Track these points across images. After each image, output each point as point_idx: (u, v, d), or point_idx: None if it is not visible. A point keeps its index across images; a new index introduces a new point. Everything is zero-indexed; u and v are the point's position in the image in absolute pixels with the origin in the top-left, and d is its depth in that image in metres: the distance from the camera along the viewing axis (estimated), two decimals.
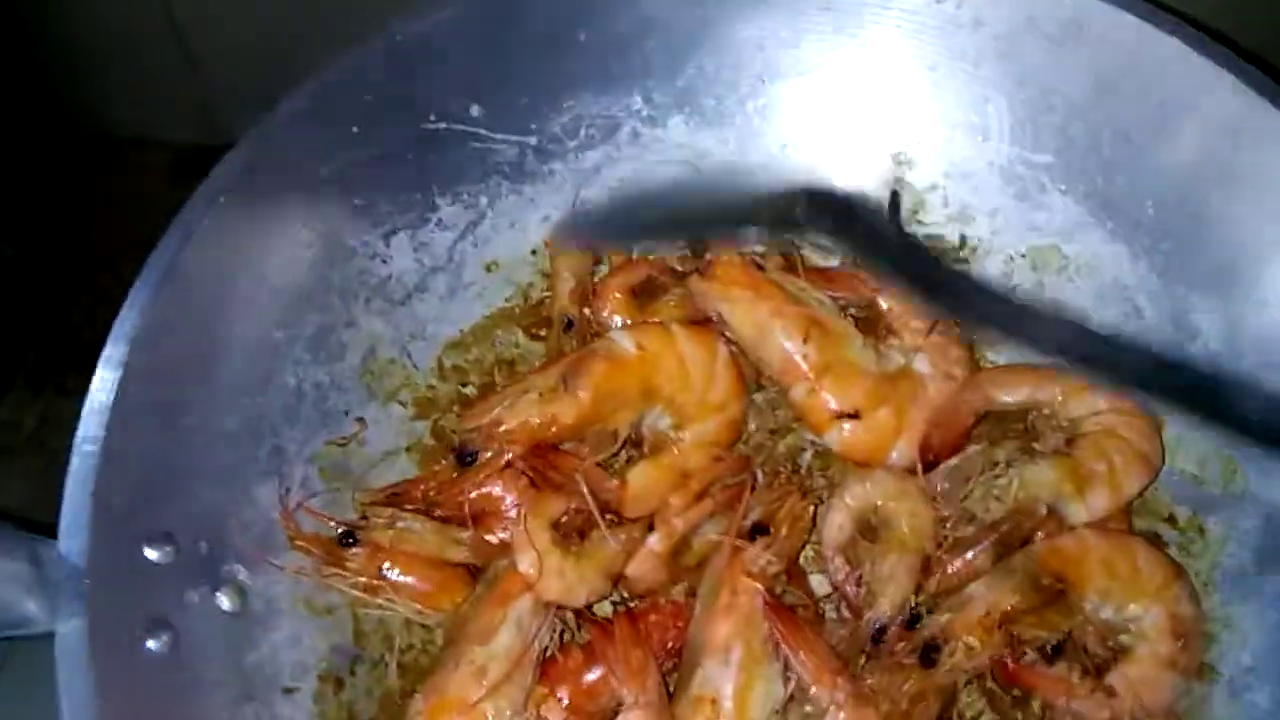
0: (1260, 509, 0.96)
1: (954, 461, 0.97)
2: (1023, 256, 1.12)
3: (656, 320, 1.06)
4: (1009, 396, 1.01)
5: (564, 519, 0.95)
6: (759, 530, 0.96)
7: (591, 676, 0.94)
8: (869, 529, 0.98)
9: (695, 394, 1.01)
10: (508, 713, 0.88)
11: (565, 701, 0.92)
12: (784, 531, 0.96)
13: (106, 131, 1.53)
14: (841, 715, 0.88)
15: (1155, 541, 1.00)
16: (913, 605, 0.93)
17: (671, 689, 0.94)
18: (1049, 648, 0.91)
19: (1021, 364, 1.04)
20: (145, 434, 0.87)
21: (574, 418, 0.97)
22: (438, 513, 0.99)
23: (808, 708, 0.90)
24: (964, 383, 1.03)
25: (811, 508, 0.99)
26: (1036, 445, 0.97)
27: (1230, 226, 0.98)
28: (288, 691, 0.92)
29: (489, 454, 0.96)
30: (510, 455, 0.96)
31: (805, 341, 1.02)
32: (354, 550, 0.95)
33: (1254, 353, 0.97)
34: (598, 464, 0.99)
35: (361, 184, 1.06)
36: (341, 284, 1.06)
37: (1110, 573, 0.92)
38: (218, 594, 0.90)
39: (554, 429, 0.97)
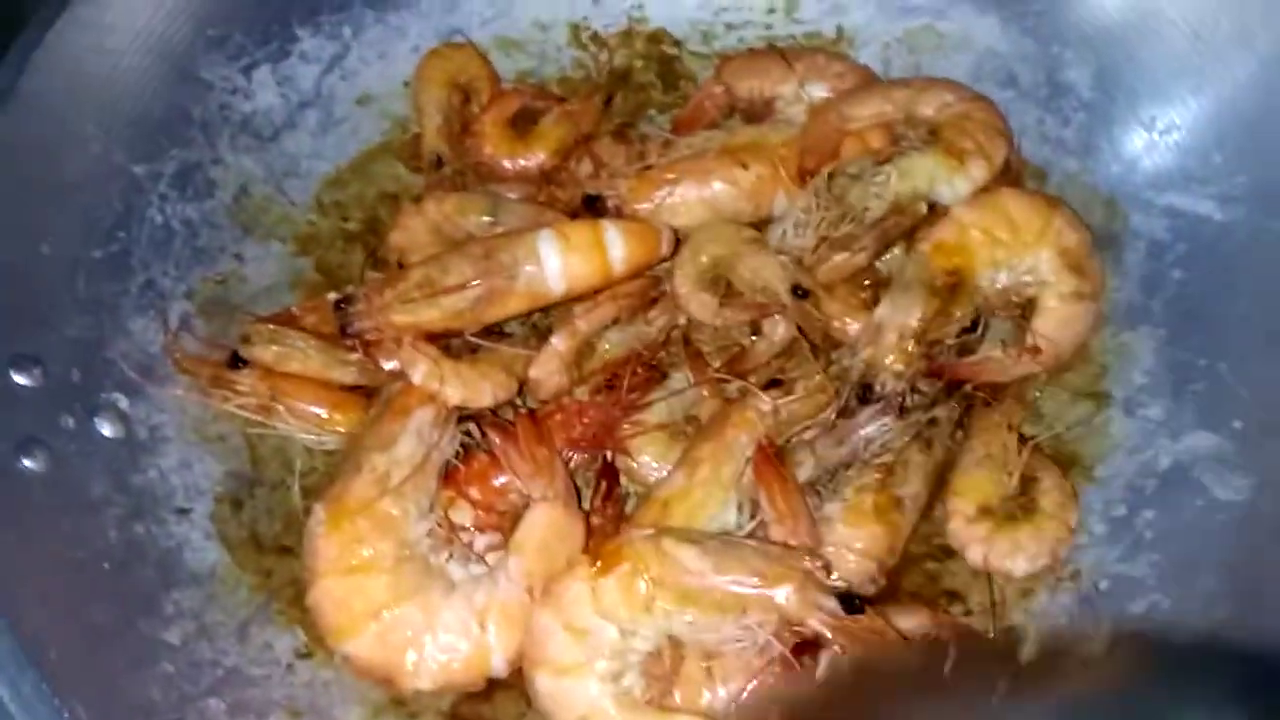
0: (1141, 240, 0.97)
1: (832, 165, 0.97)
2: (899, 41, 1.12)
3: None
4: (861, 110, 1.02)
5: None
6: (775, 384, 0.94)
7: (500, 479, 0.92)
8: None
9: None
10: (413, 513, 0.86)
11: (475, 499, 0.90)
12: (798, 394, 0.94)
13: None
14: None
15: None
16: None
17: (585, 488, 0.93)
18: (968, 336, 0.93)
19: (865, 83, 1.06)
20: (4, 259, 0.83)
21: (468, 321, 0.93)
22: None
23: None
24: (818, 109, 1.03)
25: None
26: (902, 144, 0.98)
27: None
28: (182, 511, 0.88)
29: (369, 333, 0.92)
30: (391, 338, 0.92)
31: (745, 167, 1.01)
32: (244, 372, 0.92)
33: (1123, 93, 0.99)
34: None
35: (212, 12, 1.01)
36: (202, 120, 1.02)
37: (992, 240, 0.94)
38: (96, 419, 0.86)
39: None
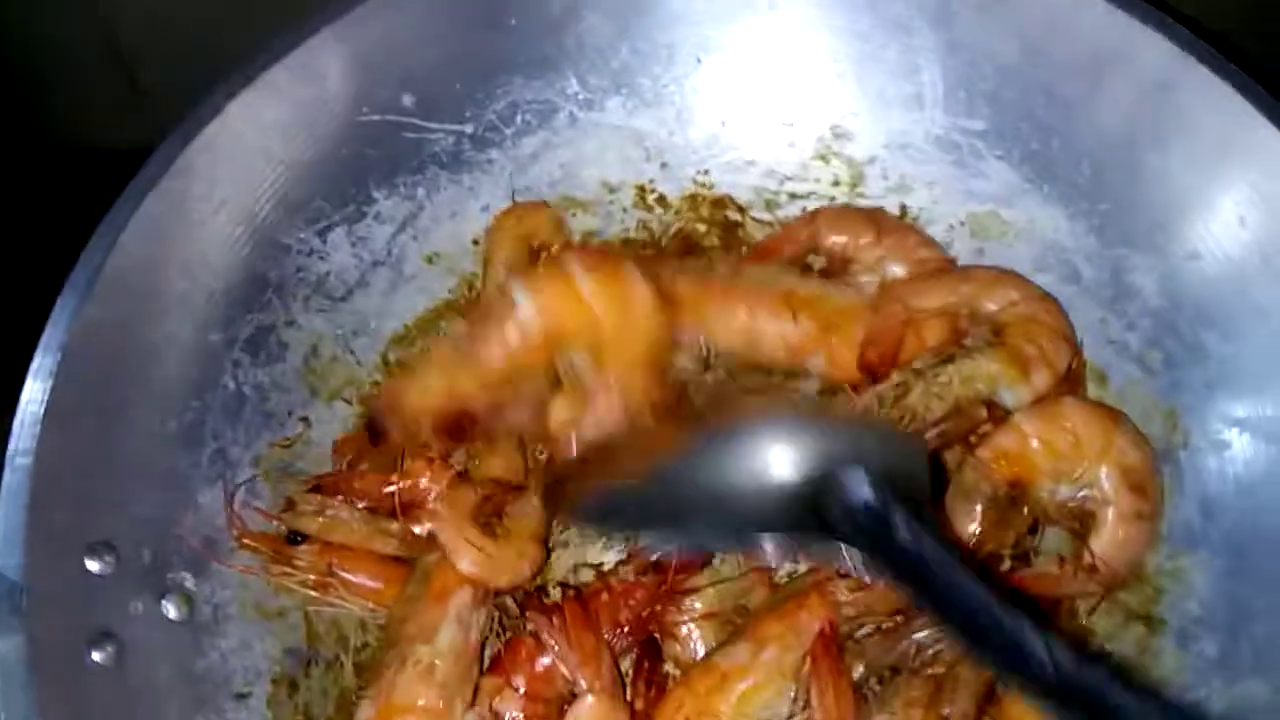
0: (1201, 458, 0.97)
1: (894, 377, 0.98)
2: (962, 224, 1.12)
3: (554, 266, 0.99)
4: (927, 302, 1.03)
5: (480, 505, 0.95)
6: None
7: (546, 662, 0.93)
8: None
9: (612, 333, 0.97)
10: (459, 707, 0.88)
11: (521, 690, 0.91)
12: (877, 595, 0.94)
13: (43, 137, 1.50)
14: None
15: None
16: None
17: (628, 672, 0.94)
18: (1023, 550, 0.93)
19: (932, 272, 1.06)
20: (80, 443, 0.86)
21: (479, 387, 0.95)
22: (364, 504, 0.98)
23: None
24: (881, 297, 1.04)
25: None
26: (966, 343, 0.98)
27: (1163, 185, 0.99)
28: (240, 697, 0.91)
29: (399, 430, 0.95)
30: (423, 426, 0.95)
31: (795, 319, 1.02)
32: (302, 547, 0.94)
33: (1190, 307, 0.98)
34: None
35: (294, 180, 1.04)
36: (279, 283, 1.04)
37: (1053, 452, 0.94)
38: (163, 602, 0.88)
39: (462, 400, 0.95)
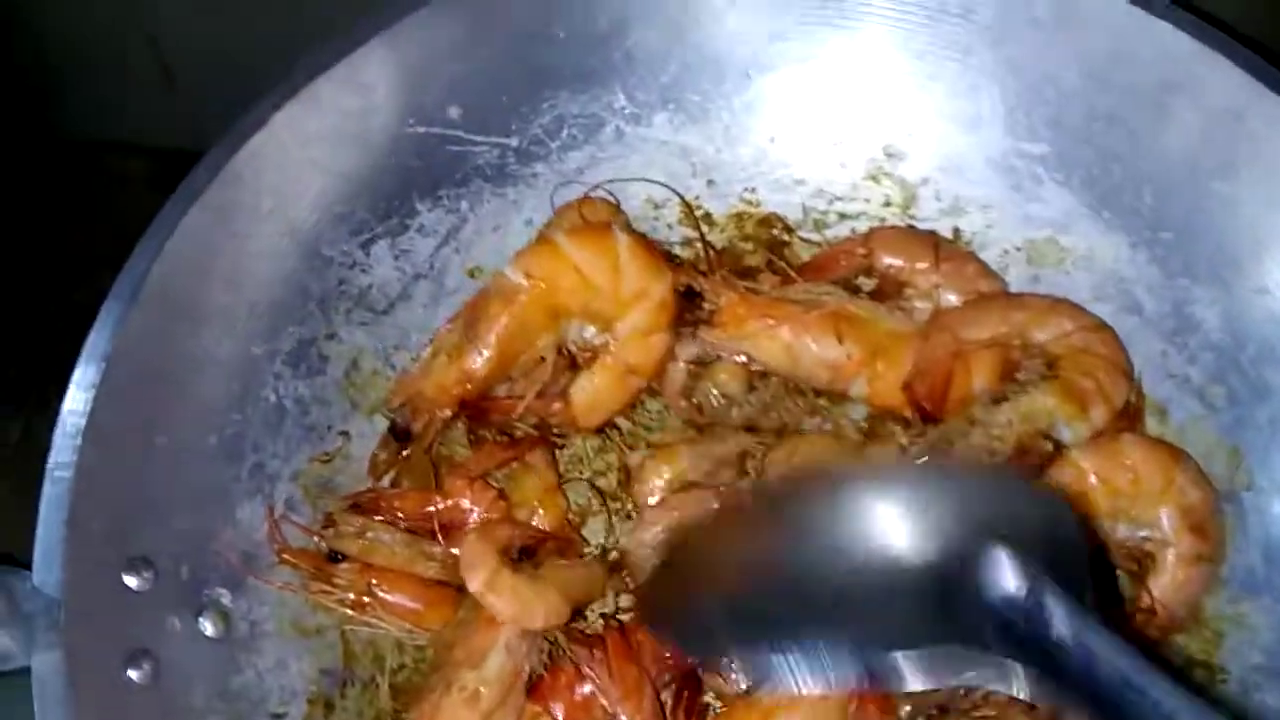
0: (1267, 503, 0.94)
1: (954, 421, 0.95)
2: (1018, 250, 1.09)
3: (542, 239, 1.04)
4: (977, 333, 1.00)
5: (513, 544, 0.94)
6: None
7: (586, 691, 0.92)
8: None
9: (608, 296, 1.00)
10: None
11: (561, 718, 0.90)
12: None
13: (83, 139, 1.50)
14: None
15: None
16: None
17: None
18: None
19: (982, 299, 1.04)
20: (120, 456, 0.85)
21: (487, 366, 0.97)
22: (405, 525, 0.97)
23: None
24: (930, 326, 1.02)
25: None
26: (1019, 376, 0.96)
27: (1230, 215, 0.96)
28: (276, 717, 0.89)
29: (421, 424, 0.97)
30: (442, 417, 0.98)
31: (841, 341, 1.00)
32: (343, 566, 0.93)
33: (1255, 343, 0.95)
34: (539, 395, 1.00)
35: (338, 191, 1.03)
36: (321, 295, 1.03)
37: (1112, 490, 0.91)
38: (200, 619, 0.88)
39: (473, 382, 0.98)
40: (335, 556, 0.94)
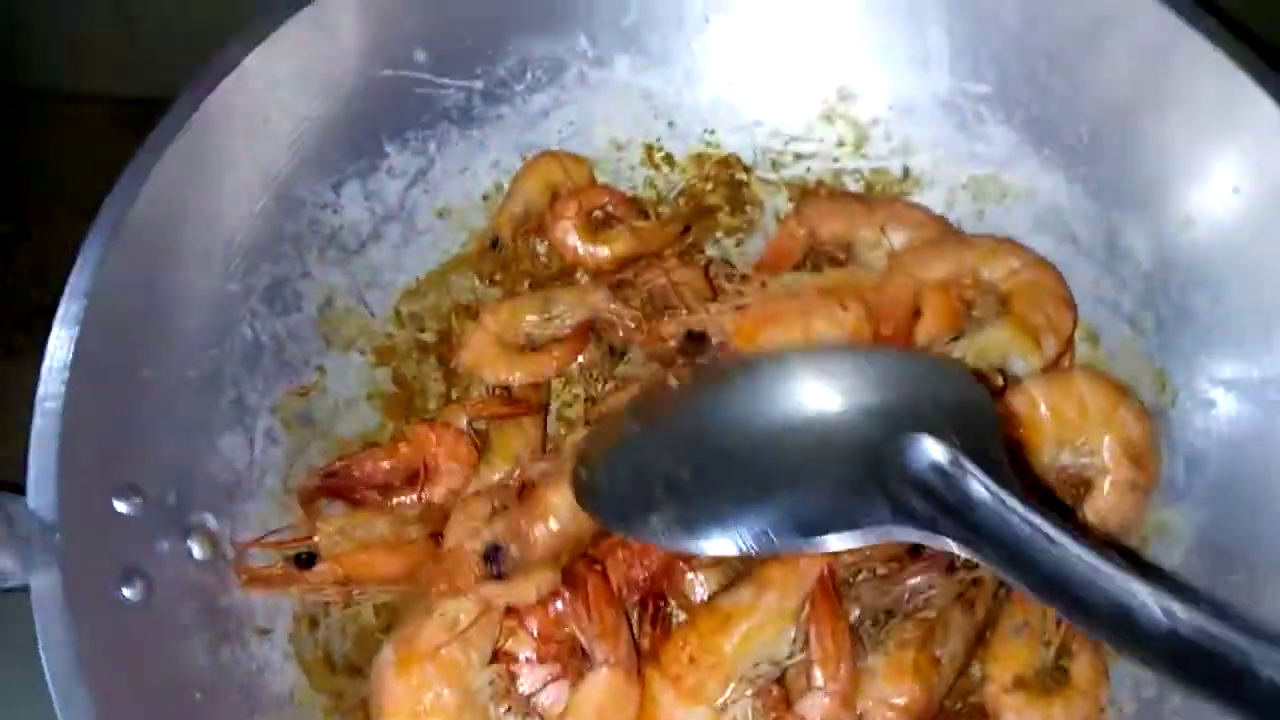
0: (1189, 419, 1.00)
1: None
2: (964, 187, 1.15)
3: None
4: (932, 272, 1.05)
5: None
6: None
7: (559, 606, 0.96)
8: None
9: None
10: (477, 661, 0.90)
11: (535, 631, 0.95)
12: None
13: (39, 86, 1.50)
14: (824, 701, 0.91)
15: None
16: None
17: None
18: None
19: (932, 241, 1.09)
20: (106, 388, 0.88)
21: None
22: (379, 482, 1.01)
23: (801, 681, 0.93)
24: (889, 270, 1.07)
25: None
26: (974, 314, 1.02)
27: (1160, 149, 1.02)
28: (262, 632, 0.94)
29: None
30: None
31: (846, 308, 1.04)
32: (317, 569, 0.95)
33: (1181, 270, 1.01)
34: None
35: (309, 134, 1.05)
36: (294, 235, 1.06)
37: (1060, 418, 0.97)
38: (188, 542, 0.91)
39: None
40: (304, 561, 0.95)
